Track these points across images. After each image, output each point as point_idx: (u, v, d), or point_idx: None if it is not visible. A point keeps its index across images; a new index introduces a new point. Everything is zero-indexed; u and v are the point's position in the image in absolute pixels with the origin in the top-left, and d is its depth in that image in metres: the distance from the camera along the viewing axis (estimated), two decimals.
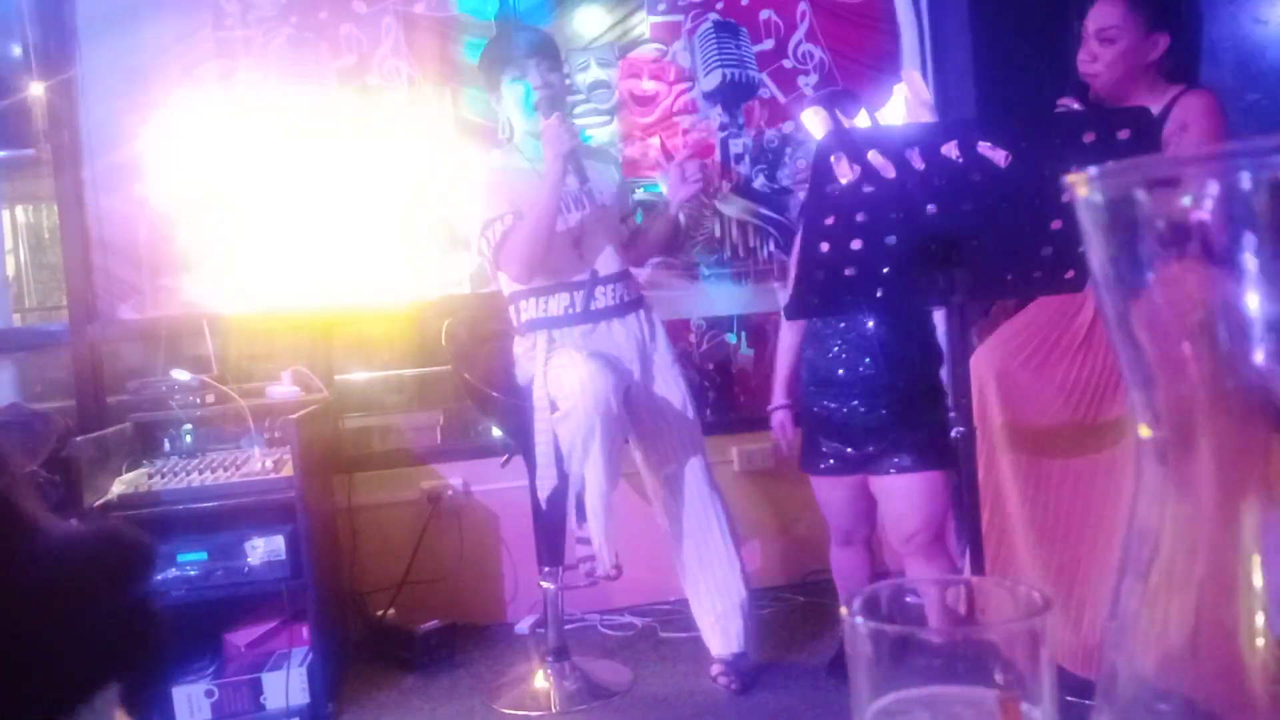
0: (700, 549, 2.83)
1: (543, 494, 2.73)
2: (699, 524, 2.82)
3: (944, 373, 2.56)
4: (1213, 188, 0.34)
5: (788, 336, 2.78)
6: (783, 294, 3.55)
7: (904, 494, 2.51)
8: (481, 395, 2.93)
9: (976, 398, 2.34)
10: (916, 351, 2.54)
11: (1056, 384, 2.29)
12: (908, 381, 2.50)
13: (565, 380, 2.64)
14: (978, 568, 1.88)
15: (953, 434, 1.94)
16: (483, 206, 2.75)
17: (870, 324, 2.51)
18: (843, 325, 2.54)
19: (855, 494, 2.62)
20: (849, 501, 2.64)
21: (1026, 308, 2.44)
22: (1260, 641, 0.35)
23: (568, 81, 2.93)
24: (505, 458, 3.11)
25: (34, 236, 4.71)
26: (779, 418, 2.85)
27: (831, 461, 2.60)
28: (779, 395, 2.84)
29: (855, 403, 2.52)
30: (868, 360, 2.51)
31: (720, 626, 2.83)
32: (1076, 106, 2.32)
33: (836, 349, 2.55)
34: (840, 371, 2.54)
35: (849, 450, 2.55)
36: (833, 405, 2.56)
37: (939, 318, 2.67)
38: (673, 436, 2.84)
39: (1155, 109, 2.34)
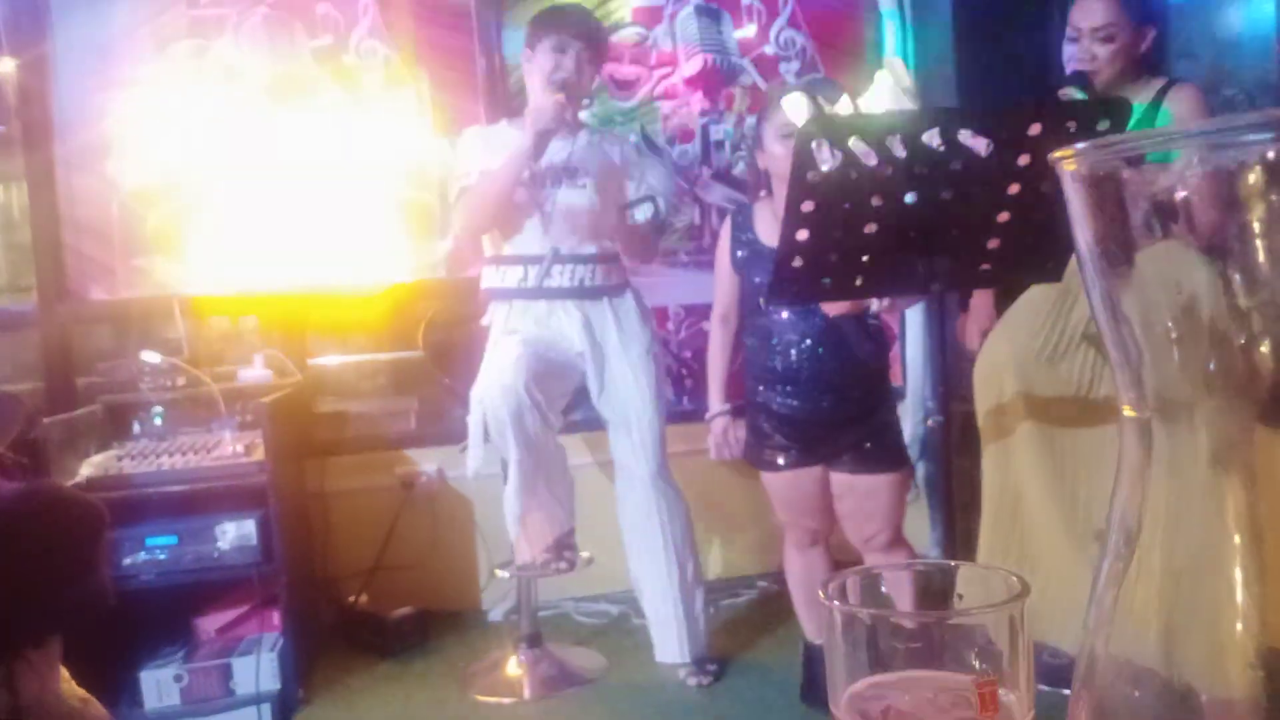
0: (640, 552, 2.79)
1: (469, 471, 2.71)
2: (639, 526, 2.78)
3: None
4: (1197, 165, 0.34)
5: (720, 336, 2.61)
6: None
7: (867, 494, 2.43)
8: (455, 392, 2.92)
9: (996, 386, 2.36)
10: (868, 342, 2.43)
11: (1063, 374, 2.34)
12: (861, 374, 2.42)
13: (490, 366, 2.64)
14: (951, 554, 1.89)
15: (929, 422, 1.94)
16: (460, 162, 2.75)
17: (819, 315, 2.39)
18: (789, 317, 2.42)
19: (818, 485, 2.48)
20: (815, 496, 2.49)
21: (1021, 298, 2.45)
22: (1239, 624, 0.35)
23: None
24: (464, 444, 3.07)
25: (4, 215, 4.64)
26: (721, 424, 2.61)
27: (787, 456, 2.47)
28: (718, 400, 2.62)
29: (807, 397, 2.41)
30: (820, 352, 2.40)
31: (657, 634, 2.81)
32: (1080, 97, 2.34)
33: (786, 342, 2.42)
34: (791, 365, 2.42)
35: (804, 445, 2.45)
36: (784, 401, 2.44)
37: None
38: (624, 430, 2.80)
39: (1144, 101, 2.38)
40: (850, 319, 2.38)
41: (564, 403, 2.76)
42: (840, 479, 2.46)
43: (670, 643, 2.78)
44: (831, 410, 2.42)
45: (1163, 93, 2.43)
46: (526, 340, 2.64)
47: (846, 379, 2.41)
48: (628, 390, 2.77)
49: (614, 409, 2.79)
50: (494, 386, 2.56)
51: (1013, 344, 2.41)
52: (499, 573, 2.90)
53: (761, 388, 2.48)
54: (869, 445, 2.42)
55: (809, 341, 2.41)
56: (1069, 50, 2.47)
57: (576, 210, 2.74)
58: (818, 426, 2.43)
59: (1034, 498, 2.35)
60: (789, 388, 2.43)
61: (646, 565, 2.78)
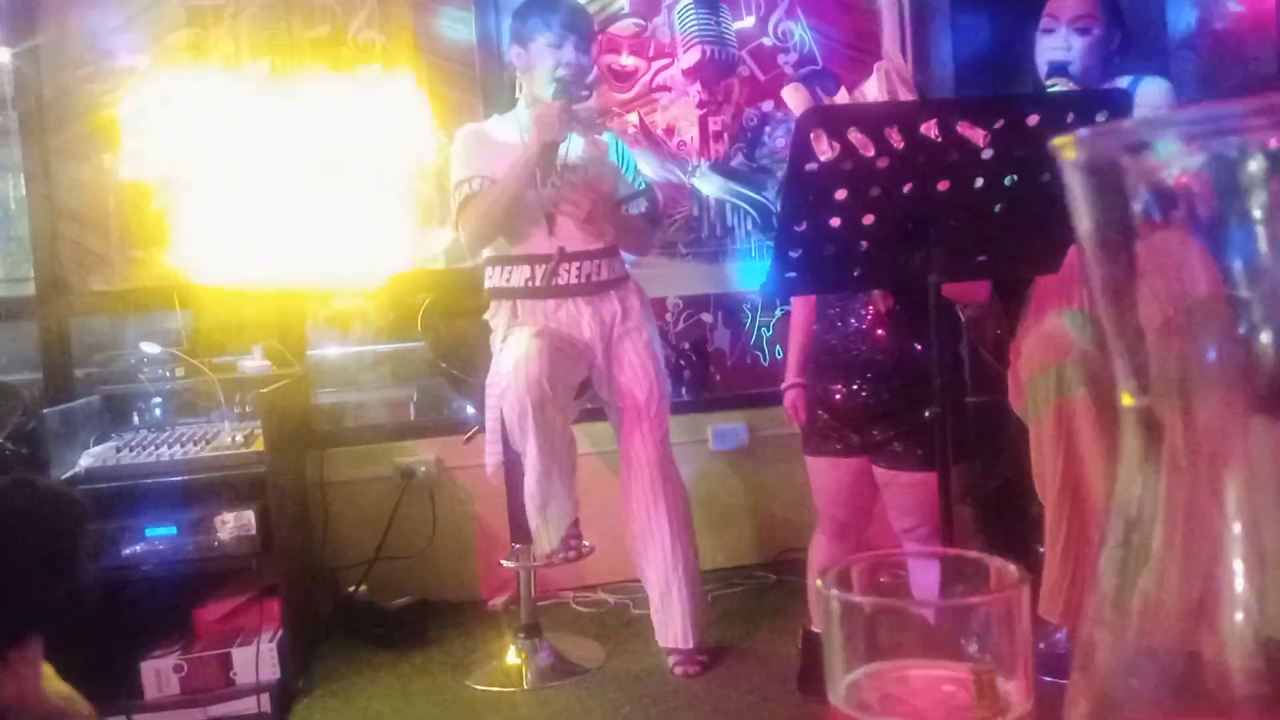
0: (643, 537, 2.79)
1: (489, 467, 2.73)
2: (642, 512, 2.78)
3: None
4: (1198, 153, 0.34)
5: (800, 312, 2.62)
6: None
7: (908, 489, 2.38)
8: (453, 377, 2.92)
9: (1053, 372, 2.26)
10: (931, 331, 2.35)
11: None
12: (913, 363, 2.34)
13: (506, 358, 2.63)
14: (949, 542, 1.89)
15: (927, 414, 1.94)
16: (460, 164, 2.75)
17: (884, 303, 2.35)
18: (851, 302, 2.39)
19: (857, 480, 2.44)
20: (849, 489, 2.46)
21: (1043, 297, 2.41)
22: (1239, 615, 0.35)
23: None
24: (469, 433, 3.08)
25: (1, 207, 4.63)
26: (791, 396, 2.63)
27: (831, 445, 2.45)
28: (792, 373, 2.64)
29: (854, 382, 2.38)
30: (871, 336, 2.35)
31: (658, 619, 2.81)
32: (1073, 86, 2.33)
33: (843, 327, 2.39)
34: (844, 352, 2.39)
35: (851, 435, 2.41)
36: (834, 385, 2.41)
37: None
38: (632, 416, 2.80)
39: None
40: (916, 309, 2.28)
41: (574, 393, 2.77)
42: (882, 473, 2.42)
43: (674, 628, 2.77)
44: (874, 397, 2.37)
45: (1131, 88, 2.44)
46: (539, 333, 2.65)
47: (893, 367, 2.36)
48: (636, 378, 2.78)
49: (622, 396, 2.80)
50: (515, 379, 2.55)
51: (1074, 329, 2.33)
52: (505, 563, 2.90)
53: (820, 371, 2.47)
54: (910, 441, 2.35)
55: (859, 324, 2.38)
56: (1043, 41, 2.48)
57: (579, 208, 2.75)
58: (862, 413, 2.39)
59: (1100, 485, 2.29)
60: (840, 371, 2.41)
61: (652, 551, 2.77)
